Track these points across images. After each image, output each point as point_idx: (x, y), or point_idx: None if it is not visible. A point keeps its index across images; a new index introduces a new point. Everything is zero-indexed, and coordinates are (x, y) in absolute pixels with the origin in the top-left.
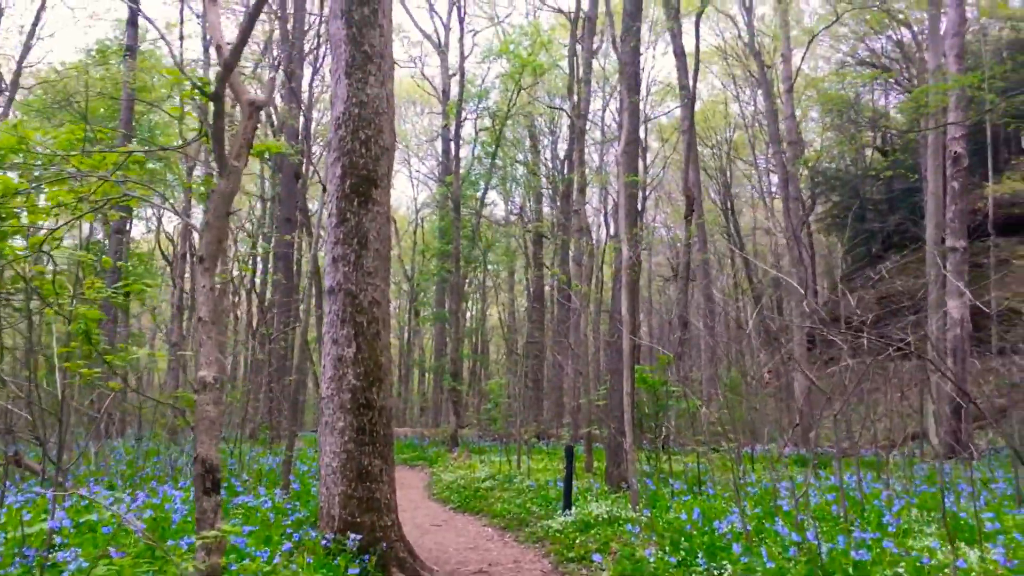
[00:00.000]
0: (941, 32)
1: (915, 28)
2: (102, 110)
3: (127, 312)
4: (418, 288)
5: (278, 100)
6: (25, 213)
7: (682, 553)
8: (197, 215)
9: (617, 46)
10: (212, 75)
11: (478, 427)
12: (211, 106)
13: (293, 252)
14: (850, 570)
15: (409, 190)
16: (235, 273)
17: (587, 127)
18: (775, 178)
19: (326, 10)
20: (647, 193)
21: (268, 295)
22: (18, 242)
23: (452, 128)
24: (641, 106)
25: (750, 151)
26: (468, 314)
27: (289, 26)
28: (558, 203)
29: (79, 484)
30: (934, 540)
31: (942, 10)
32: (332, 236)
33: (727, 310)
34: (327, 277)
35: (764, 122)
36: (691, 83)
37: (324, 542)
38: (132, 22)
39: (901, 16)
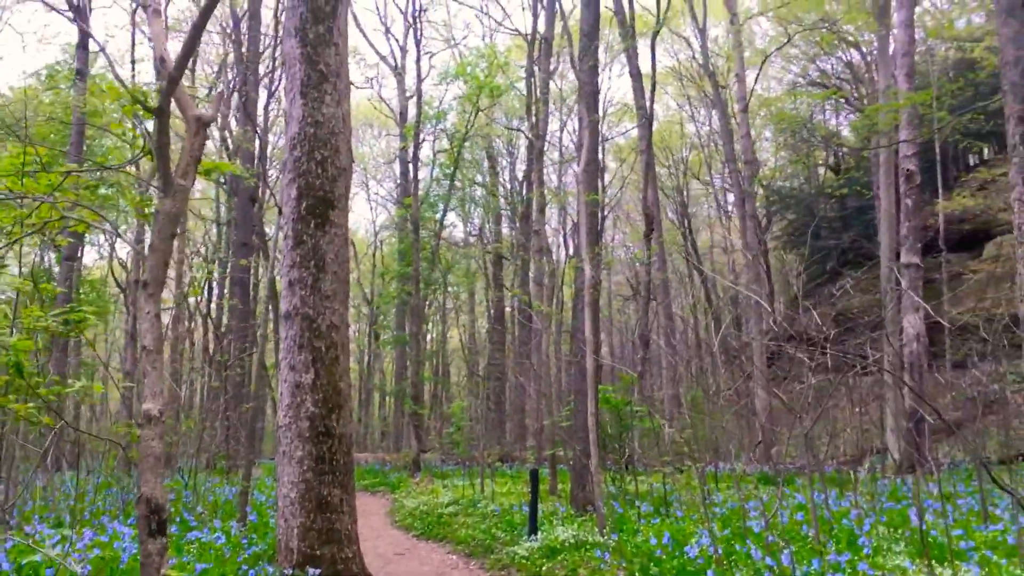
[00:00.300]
0: (891, 52)
1: (864, 49)
2: (52, 135)
3: (79, 341)
4: (378, 311)
5: (233, 123)
6: None
7: None
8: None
9: (576, 65)
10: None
11: (440, 451)
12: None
13: (250, 277)
14: None
15: (368, 213)
16: (189, 300)
17: (545, 148)
18: (731, 197)
19: (281, 31)
20: (606, 213)
21: (224, 321)
22: None
23: (410, 150)
24: (599, 126)
25: (706, 171)
26: (429, 336)
27: (243, 49)
28: (517, 224)
29: (26, 521)
30: (905, 559)
31: (891, 31)
32: (288, 259)
33: (688, 328)
34: (283, 301)
35: (719, 142)
36: (648, 104)
37: None
38: (83, 45)
39: (851, 38)
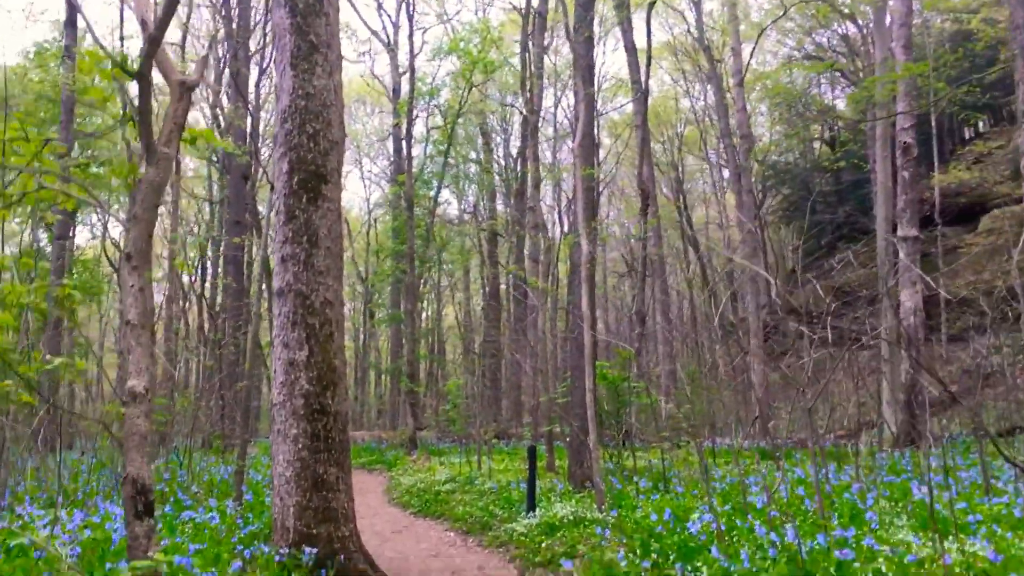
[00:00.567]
0: (887, 24)
1: (861, 22)
2: (42, 114)
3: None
4: (373, 289)
5: (224, 101)
6: None
7: (653, 555)
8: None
9: (571, 37)
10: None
11: (437, 429)
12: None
13: (243, 255)
14: (832, 570)
15: (361, 191)
16: (184, 279)
17: (540, 124)
18: (727, 173)
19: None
20: (601, 189)
21: (219, 300)
22: None
23: (403, 127)
24: (595, 100)
25: (701, 146)
26: (424, 314)
27: (234, 25)
28: (512, 201)
29: (17, 502)
30: (909, 533)
31: (888, 2)
32: (280, 235)
33: (684, 304)
34: (276, 278)
35: (715, 117)
36: (643, 78)
37: (278, 557)
38: (71, 22)
39: (846, 10)
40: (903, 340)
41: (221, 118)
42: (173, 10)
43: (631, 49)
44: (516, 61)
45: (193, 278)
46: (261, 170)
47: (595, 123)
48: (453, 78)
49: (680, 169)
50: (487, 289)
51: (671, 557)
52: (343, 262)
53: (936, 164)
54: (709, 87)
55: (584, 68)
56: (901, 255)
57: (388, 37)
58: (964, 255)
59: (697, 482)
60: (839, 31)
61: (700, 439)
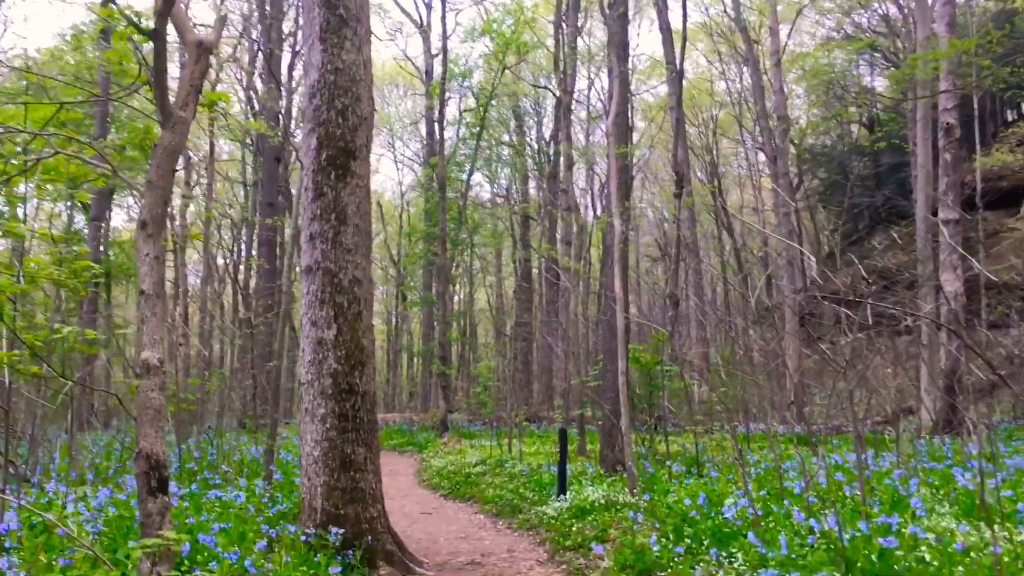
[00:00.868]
0: (929, 1)
1: (902, 2)
2: (79, 97)
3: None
4: (405, 272)
5: (259, 83)
6: None
7: (687, 541)
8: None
9: (606, 13)
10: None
11: (468, 411)
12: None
13: (276, 236)
14: (874, 558)
15: (394, 174)
16: (219, 262)
17: (573, 106)
18: (762, 156)
19: None
20: (634, 173)
21: (253, 282)
22: None
23: (436, 109)
24: (628, 80)
25: (737, 129)
26: (456, 297)
27: (267, 6)
28: (545, 184)
29: (47, 479)
30: (952, 520)
31: None
32: (308, 212)
33: (718, 288)
34: (304, 256)
35: (750, 99)
36: (678, 58)
37: (304, 537)
38: (106, 3)
39: None
40: (951, 323)
41: (255, 100)
42: None
43: (666, 29)
44: (550, 43)
45: (227, 260)
46: (294, 152)
47: (629, 103)
48: (486, 60)
49: (715, 152)
50: (519, 272)
51: (705, 542)
52: (372, 240)
53: (978, 146)
54: (745, 68)
55: (618, 45)
56: (942, 238)
57: (421, 18)
58: (1006, 239)
59: (731, 467)
60: (879, 11)
61: (734, 423)
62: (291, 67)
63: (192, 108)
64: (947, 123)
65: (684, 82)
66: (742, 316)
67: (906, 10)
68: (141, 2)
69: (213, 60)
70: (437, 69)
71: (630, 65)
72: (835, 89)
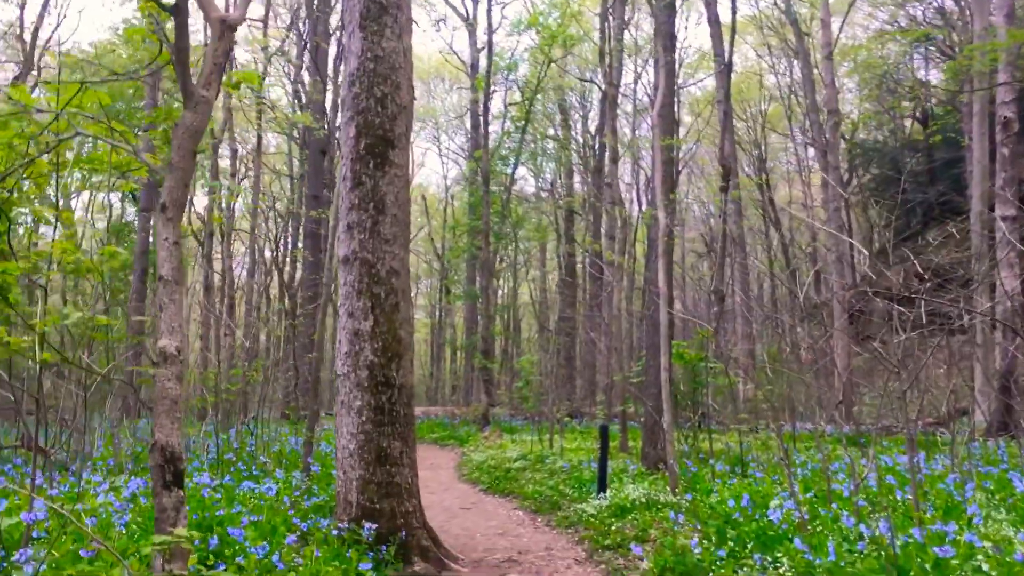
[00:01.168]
0: None
1: None
2: (130, 91)
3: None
4: (448, 265)
5: (306, 77)
6: None
7: (730, 543)
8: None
9: (652, 3)
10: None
11: (509, 405)
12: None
13: (321, 229)
14: (928, 567)
15: (439, 168)
16: (265, 255)
17: (619, 99)
18: (812, 151)
19: None
20: (680, 168)
21: (299, 274)
22: None
23: (481, 103)
24: (675, 72)
25: (786, 124)
26: (499, 292)
27: (315, 1)
28: (590, 179)
29: (84, 467)
30: (1010, 528)
31: None
32: (346, 201)
33: (764, 284)
34: (341, 246)
35: (800, 93)
36: (727, 50)
37: (337, 531)
38: None
39: None
40: (1014, 321)
41: (302, 93)
42: None
43: (714, 21)
44: (596, 36)
45: (274, 253)
46: (338, 145)
47: (675, 95)
48: (531, 53)
49: (763, 147)
50: (563, 267)
51: (748, 546)
52: (410, 231)
53: None
54: (795, 62)
55: (665, 35)
56: (999, 234)
57: (467, 11)
58: None
59: (776, 467)
60: (934, 3)
61: (780, 422)
62: (337, 60)
63: (215, 87)
64: (1005, 117)
65: (733, 76)
66: (789, 313)
67: (963, 2)
68: None
69: (262, 54)
70: (482, 63)
71: (677, 58)
72: (888, 83)
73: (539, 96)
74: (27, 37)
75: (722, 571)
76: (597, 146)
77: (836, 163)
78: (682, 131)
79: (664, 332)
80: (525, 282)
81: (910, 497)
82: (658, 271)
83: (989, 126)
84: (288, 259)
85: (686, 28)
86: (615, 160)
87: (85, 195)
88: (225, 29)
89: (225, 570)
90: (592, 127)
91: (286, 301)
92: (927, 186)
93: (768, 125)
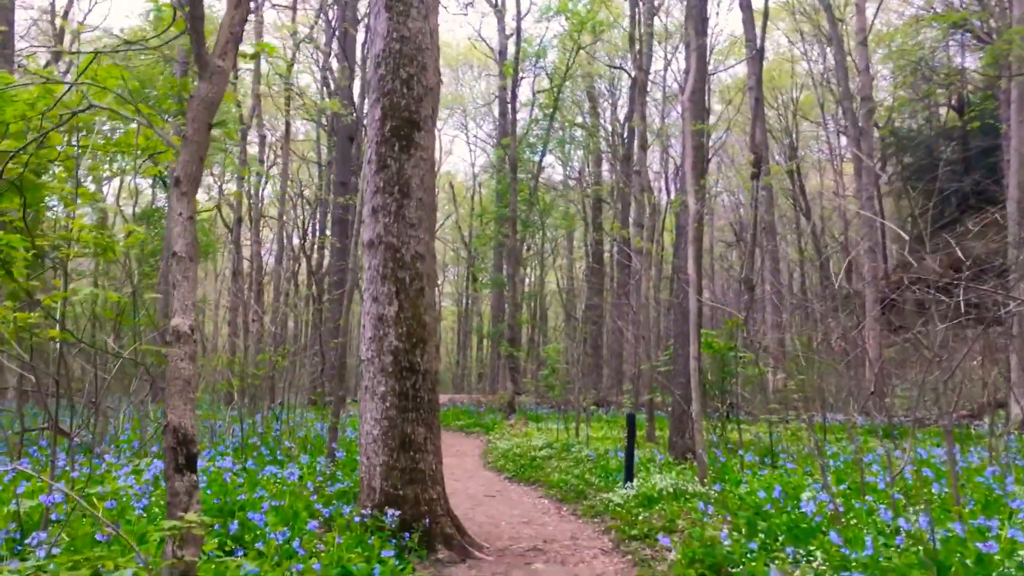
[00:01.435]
0: None
1: None
2: (161, 77)
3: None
4: (476, 253)
5: (334, 63)
6: None
7: (760, 536)
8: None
9: None
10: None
11: (535, 394)
12: None
13: (348, 215)
14: (969, 563)
15: (467, 155)
16: (294, 241)
17: (648, 87)
18: (844, 140)
19: None
20: (709, 156)
21: (327, 260)
22: None
23: (509, 89)
24: (706, 57)
25: (818, 111)
26: (526, 280)
27: None
28: (618, 166)
29: (107, 450)
30: None
31: None
32: (371, 184)
33: (795, 273)
34: (366, 230)
35: (833, 81)
36: (759, 35)
37: (358, 518)
38: None
39: None
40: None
41: (331, 80)
42: None
43: (746, 6)
44: (626, 23)
45: (302, 239)
46: (365, 131)
47: (706, 80)
48: (560, 40)
49: (794, 135)
50: (590, 255)
51: (780, 539)
52: (436, 215)
53: None
54: (829, 49)
55: (697, 18)
56: None
57: None
58: None
59: (807, 458)
60: None
61: (811, 413)
62: (365, 47)
63: (231, 57)
64: None
65: (765, 63)
66: (821, 302)
67: None
68: None
69: (290, 40)
70: (511, 49)
71: (708, 43)
72: (923, 70)
73: (567, 83)
74: (57, 24)
75: (753, 564)
76: (625, 134)
77: (869, 151)
78: (712, 119)
79: (694, 320)
80: (552, 270)
81: (948, 490)
82: (687, 258)
83: None
84: (316, 246)
85: (717, 13)
86: (644, 147)
87: (116, 183)
88: None
89: (244, 556)
90: (621, 115)
91: (313, 287)
92: (962, 175)
93: (800, 113)
